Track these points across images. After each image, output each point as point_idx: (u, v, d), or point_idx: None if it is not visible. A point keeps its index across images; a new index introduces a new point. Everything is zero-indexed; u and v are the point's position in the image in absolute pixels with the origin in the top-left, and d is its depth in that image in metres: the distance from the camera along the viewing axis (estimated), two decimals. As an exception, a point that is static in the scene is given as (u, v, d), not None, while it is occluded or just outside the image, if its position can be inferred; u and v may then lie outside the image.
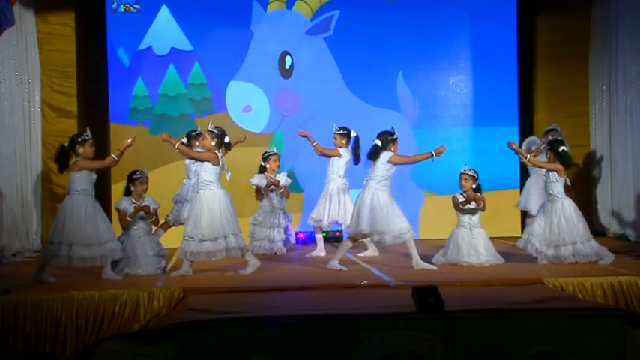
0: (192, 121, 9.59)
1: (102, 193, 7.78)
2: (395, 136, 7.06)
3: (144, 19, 9.75)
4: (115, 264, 6.67)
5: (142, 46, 9.77)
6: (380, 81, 10.04)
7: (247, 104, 9.89)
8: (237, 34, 9.86)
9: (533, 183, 8.87)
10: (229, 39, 9.84)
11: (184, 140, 7.92)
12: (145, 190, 7.06)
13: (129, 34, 9.72)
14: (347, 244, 7.22)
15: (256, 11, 9.93)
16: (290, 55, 9.94)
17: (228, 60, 9.85)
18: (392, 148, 7.03)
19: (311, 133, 8.12)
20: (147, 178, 7.08)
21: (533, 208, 8.64)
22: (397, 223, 6.90)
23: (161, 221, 8.04)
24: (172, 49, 9.81)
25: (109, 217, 7.03)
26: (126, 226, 6.95)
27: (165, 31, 9.78)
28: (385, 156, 7.00)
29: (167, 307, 5.75)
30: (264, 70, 9.90)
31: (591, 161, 9.95)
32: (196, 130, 8.26)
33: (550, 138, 8.33)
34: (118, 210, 7.03)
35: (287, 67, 9.94)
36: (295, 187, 9.65)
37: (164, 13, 9.78)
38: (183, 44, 9.82)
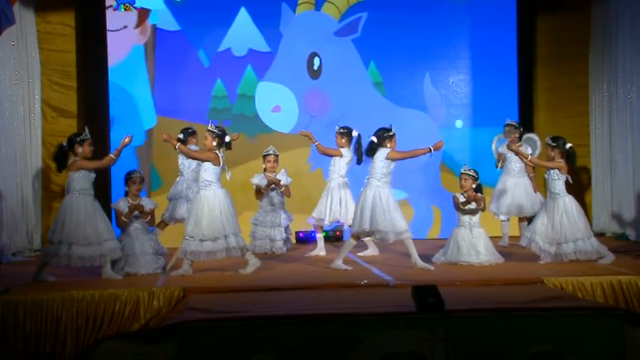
0: None
1: (101, 192, 7.79)
2: (392, 133, 7.08)
3: (223, 20, 9.92)
4: (114, 263, 6.67)
5: (222, 47, 9.91)
6: (407, 81, 10.13)
7: (276, 105, 9.99)
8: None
9: (500, 185, 8.52)
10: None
11: (181, 136, 7.94)
12: (139, 190, 7.06)
13: (209, 35, 9.88)
14: (350, 242, 7.21)
15: (285, 12, 10.00)
16: (318, 56, 10.03)
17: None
18: (388, 145, 7.05)
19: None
20: (139, 178, 7.08)
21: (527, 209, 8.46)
22: (397, 222, 6.91)
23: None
24: (250, 49, 9.94)
25: (109, 217, 7.03)
26: (121, 226, 6.98)
27: (243, 33, 9.93)
28: (383, 153, 7.01)
29: (167, 307, 5.76)
30: (292, 70, 10.00)
31: (591, 161, 9.94)
32: (191, 128, 8.28)
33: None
34: (115, 210, 7.04)
35: (315, 68, 10.03)
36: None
37: (243, 15, 9.92)
38: (261, 45, 9.95)
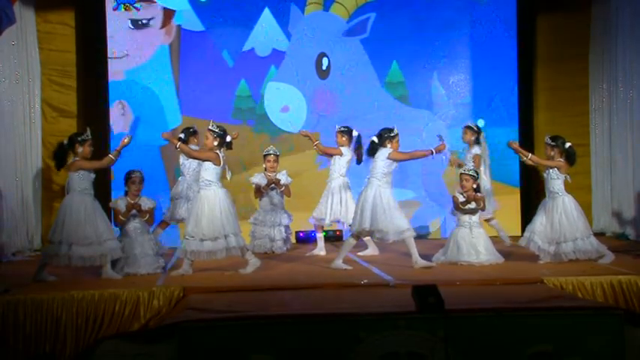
0: None
1: (101, 192, 7.79)
2: (394, 133, 7.09)
3: (247, 21, 9.98)
4: (114, 263, 6.67)
5: (246, 47, 9.98)
6: (414, 81, 10.16)
7: (285, 105, 10.05)
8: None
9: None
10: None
11: (182, 135, 7.94)
12: (139, 190, 7.05)
13: (233, 36, 9.95)
14: (350, 242, 7.21)
15: (294, 13, 10.04)
16: (327, 56, 10.07)
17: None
18: (389, 145, 7.05)
19: None
20: (139, 178, 7.06)
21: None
22: (398, 221, 6.91)
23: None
24: (274, 50, 10.01)
25: (109, 217, 7.03)
26: (119, 225, 6.98)
27: (267, 33, 9.99)
28: (384, 152, 7.02)
29: (167, 307, 5.76)
30: (301, 71, 10.05)
31: (591, 161, 9.93)
32: (193, 127, 8.29)
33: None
34: (113, 209, 7.04)
35: (324, 68, 10.07)
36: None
37: (266, 15, 9.97)
38: (284, 45, 10.01)
